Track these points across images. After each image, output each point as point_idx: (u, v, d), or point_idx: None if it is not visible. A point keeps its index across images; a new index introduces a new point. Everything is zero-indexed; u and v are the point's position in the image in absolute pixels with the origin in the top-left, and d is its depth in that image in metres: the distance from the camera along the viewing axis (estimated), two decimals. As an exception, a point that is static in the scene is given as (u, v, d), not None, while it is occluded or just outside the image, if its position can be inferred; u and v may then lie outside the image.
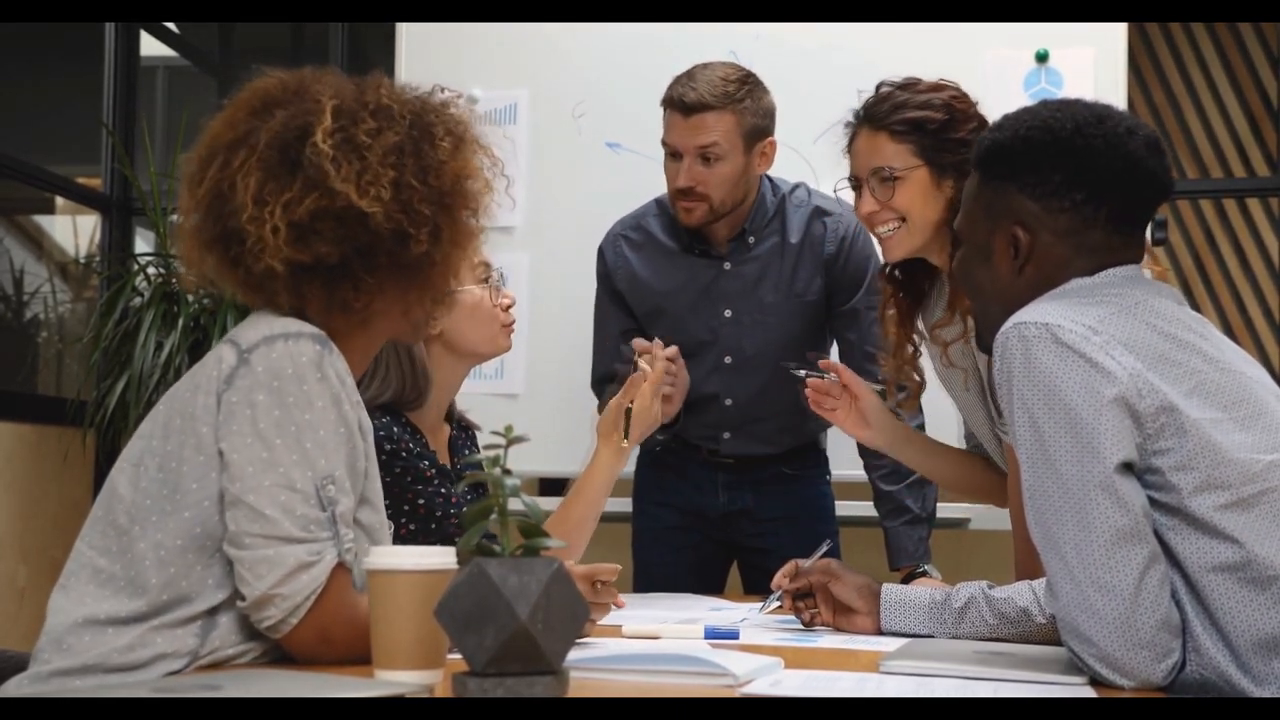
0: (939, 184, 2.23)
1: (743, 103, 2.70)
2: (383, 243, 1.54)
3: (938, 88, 2.26)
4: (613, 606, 1.92)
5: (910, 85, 2.27)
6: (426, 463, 2.10)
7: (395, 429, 2.10)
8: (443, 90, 1.67)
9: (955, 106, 2.23)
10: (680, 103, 2.70)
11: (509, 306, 2.27)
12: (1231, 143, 5.38)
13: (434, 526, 2.07)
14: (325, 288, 1.55)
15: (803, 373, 2.39)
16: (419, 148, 1.57)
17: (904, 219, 2.25)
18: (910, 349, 2.36)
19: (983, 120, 2.22)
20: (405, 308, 1.63)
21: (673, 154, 2.74)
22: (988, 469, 2.45)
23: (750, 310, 2.82)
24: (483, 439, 2.39)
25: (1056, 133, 1.63)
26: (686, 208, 2.74)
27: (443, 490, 2.10)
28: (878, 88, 2.29)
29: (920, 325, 2.38)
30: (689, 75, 2.73)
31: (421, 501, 2.07)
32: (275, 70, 1.63)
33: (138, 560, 1.48)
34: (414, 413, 2.18)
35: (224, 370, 1.50)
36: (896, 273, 2.36)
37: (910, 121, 2.23)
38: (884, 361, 2.39)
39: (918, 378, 2.38)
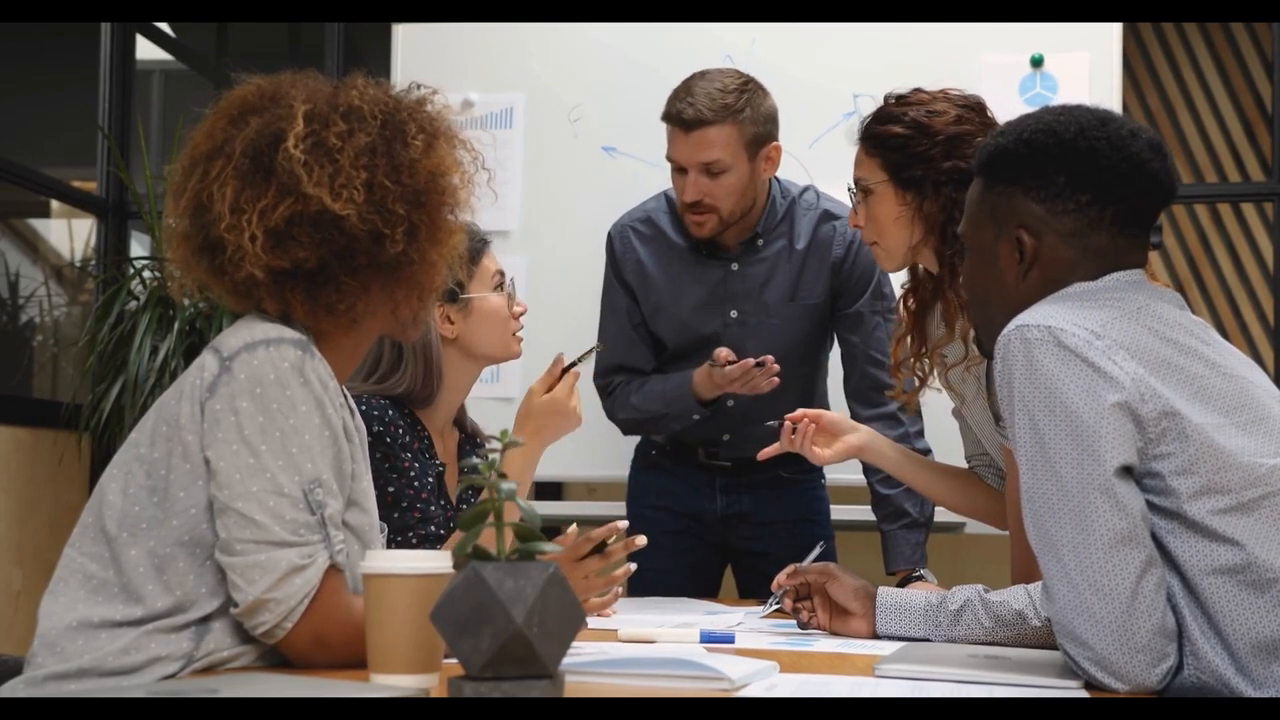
0: (903, 199, 2.22)
1: (742, 113, 2.67)
2: (360, 244, 1.55)
3: (921, 102, 2.23)
4: (614, 599, 1.94)
5: (902, 99, 2.25)
6: (409, 455, 2.13)
7: (392, 412, 2.14)
8: (419, 87, 1.66)
9: (925, 123, 2.20)
10: (679, 119, 2.68)
11: (520, 315, 2.32)
12: (1226, 147, 5.39)
13: (395, 515, 2.12)
14: (308, 291, 1.56)
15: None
16: (391, 147, 1.57)
17: (877, 237, 2.26)
18: (918, 346, 2.33)
19: (954, 137, 2.18)
20: (393, 306, 1.63)
21: (678, 169, 2.73)
22: (974, 483, 2.44)
23: (756, 312, 2.82)
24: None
25: (1060, 135, 1.63)
26: (697, 220, 2.75)
27: (415, 483, 2.12)
28: (884, 99, 2.28)
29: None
30: (687, 89, 2.69)
31: (391, 490, 2.13)
32: (254, 77, 1.63)
33: (129, 568, 1.48)
34: (423, 412, 2.21)
35: (206, 378, 1.50)
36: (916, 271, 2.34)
37: (877, 137, 2.24)
38: (893, 352, 2.37)
39: (919, 378, 2.35)
